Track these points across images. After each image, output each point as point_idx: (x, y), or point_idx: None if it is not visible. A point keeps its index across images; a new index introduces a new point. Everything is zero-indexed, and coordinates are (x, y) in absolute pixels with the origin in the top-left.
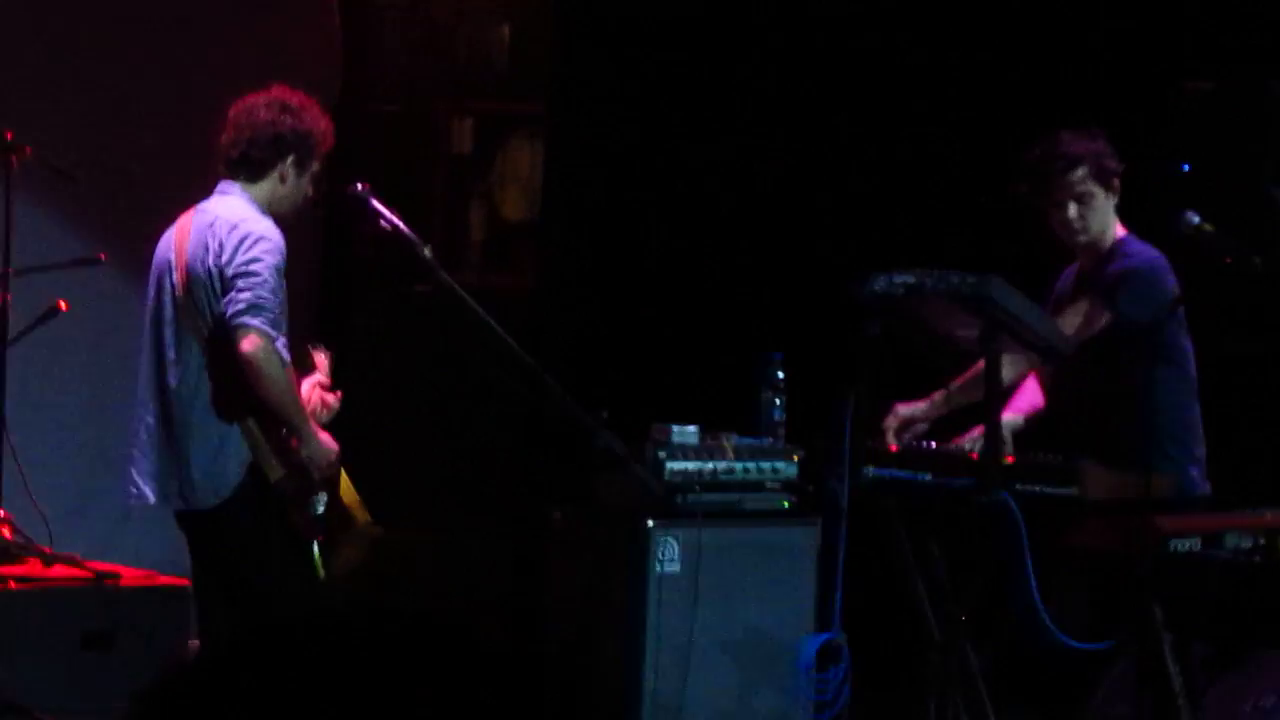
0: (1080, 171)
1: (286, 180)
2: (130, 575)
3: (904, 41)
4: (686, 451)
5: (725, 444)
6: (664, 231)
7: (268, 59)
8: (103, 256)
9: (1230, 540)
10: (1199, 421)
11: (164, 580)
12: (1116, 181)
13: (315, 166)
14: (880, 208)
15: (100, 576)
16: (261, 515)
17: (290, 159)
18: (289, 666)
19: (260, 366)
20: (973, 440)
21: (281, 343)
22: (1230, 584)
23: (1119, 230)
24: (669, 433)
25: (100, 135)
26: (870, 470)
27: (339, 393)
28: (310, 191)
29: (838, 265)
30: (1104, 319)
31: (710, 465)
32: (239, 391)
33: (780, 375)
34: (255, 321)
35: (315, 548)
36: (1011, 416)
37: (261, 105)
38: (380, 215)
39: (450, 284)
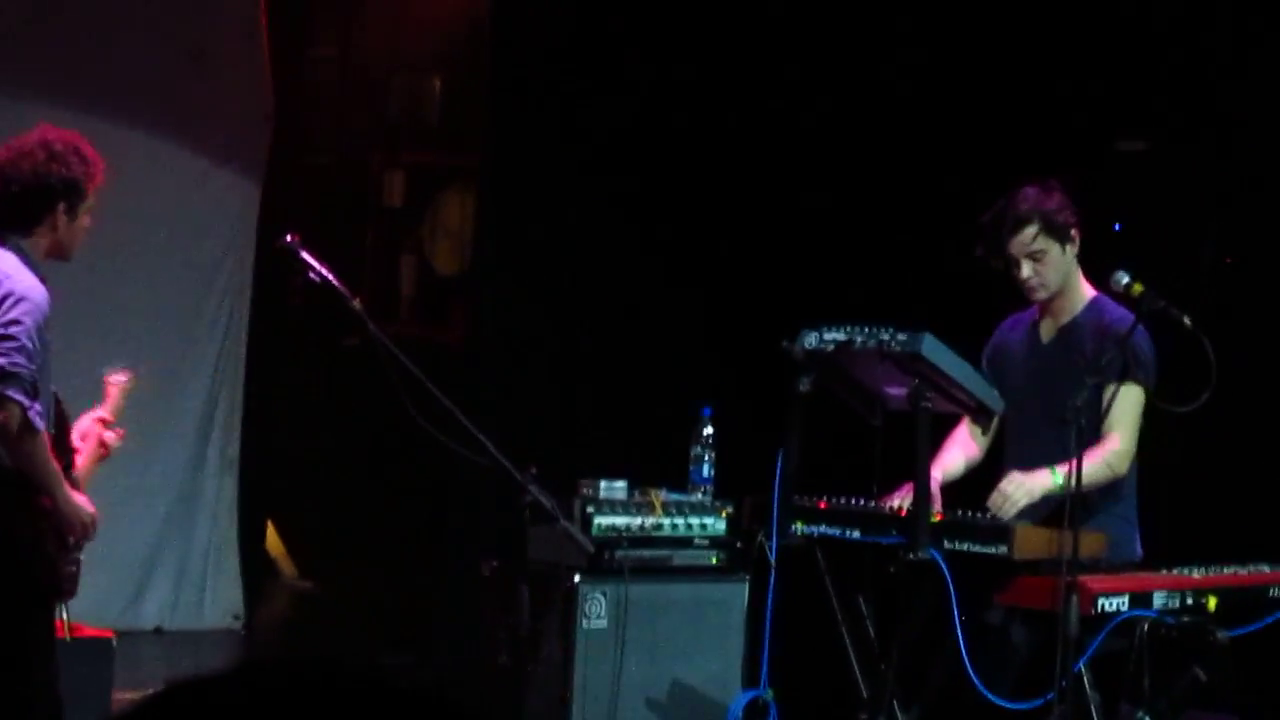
0: (1030, 231)
1: (59, 227)
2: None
3: (840, 101)
4: (615, 506)
5: (654, 499)
6: (595, 286)
7: (197, 111)
8: None
9: (1159, 599)
10: (1135, 482)
11: (88, 632)
12: (1074, 233)
13: (90, 202)
14: (815, 263)
15: None
16: (11, 576)
17: (61, 206)
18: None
19: (9, 437)
20: (903, 498)
21: (36, 410)
22: (1158, 643)
23: (1088, 288)
24: (597, 488)
25: None
26: (800, 527)
27: (120, 431)
28: (87, 224)
29: (770, 321)
30: (1142, 396)
31: (638, 520)
32: None
33: (710, 431)
34: (7, 391)
35: (64, 609)
36: (939, 472)
37: (25, 154)
38: (310, 267)
39: (380, 337)
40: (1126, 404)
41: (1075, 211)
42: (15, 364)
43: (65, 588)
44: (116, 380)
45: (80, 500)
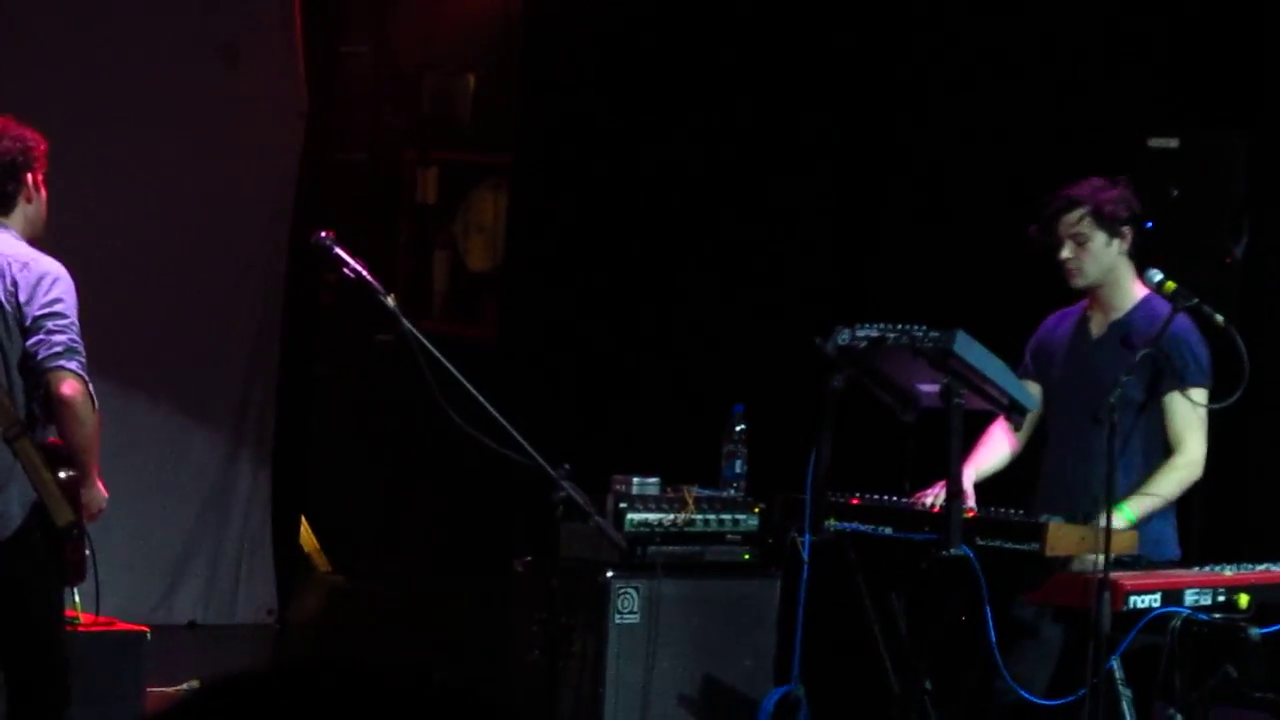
0: (1077, 213)
1: (33, 199)
2: (88, 621)
3: (871, 100)
4: (647, 502)
5: (686, 495)
6: (627, 282)
7: (231, 107)
8: None
9: (1190, 597)
10: None
11: (121, 626)
12: (1126, 230)
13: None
14: (849, 260)
15: None
16: (45, 557)
17: (28, 177)
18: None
19: (78, 411)
20: (936, 495)
21: (92, 387)
22: (1190, 641)
23: (1140, 287)
24: (630, 484)
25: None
26: (832, 523)
27: None
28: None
29: (803, 317)
30: (1204, 398)
31: (671, 516)
32: (27, 431)
33: (743, 427)
34: (73, 365)
35: (75, 593)
36: (973, 469)
37: None
38: (344, 263)
39: (413, 333)
40: (1190, 411)
41: (1133, 211)
42: (74, 340)
43: (74, 572)
44: None
45: (102, 486)
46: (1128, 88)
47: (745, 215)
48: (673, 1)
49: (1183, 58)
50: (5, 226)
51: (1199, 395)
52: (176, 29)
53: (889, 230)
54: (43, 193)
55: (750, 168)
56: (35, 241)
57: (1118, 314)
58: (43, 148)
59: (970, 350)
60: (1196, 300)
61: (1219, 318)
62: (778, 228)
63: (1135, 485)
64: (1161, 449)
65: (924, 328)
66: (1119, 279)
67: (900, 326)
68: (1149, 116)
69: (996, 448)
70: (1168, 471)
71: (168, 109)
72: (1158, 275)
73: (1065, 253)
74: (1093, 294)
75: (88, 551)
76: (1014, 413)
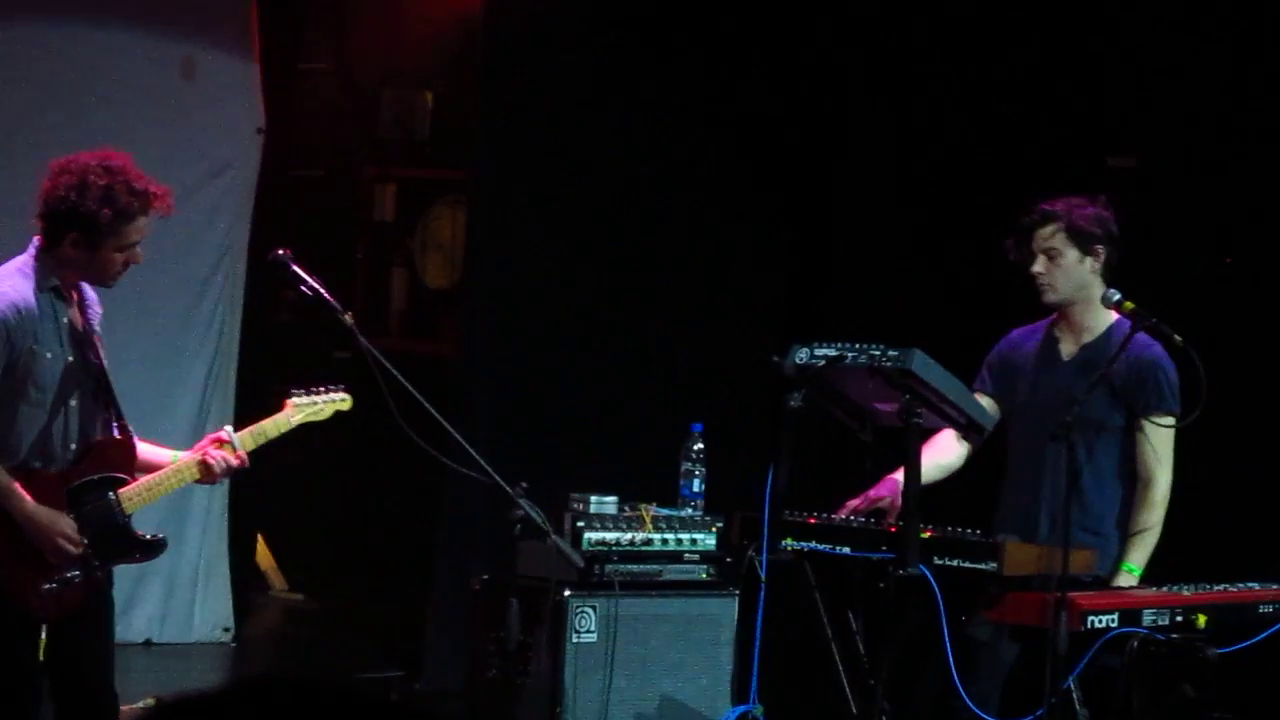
0: (1051, 228)
1: (72, 257)
2: None
3: (830, 119)
4: (605, 521)
5: (644, 514)
6: (585, 300)
7: (189, 123)
8: None
9: (1149, 617)
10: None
11: None
12: (1099, 249)
13: (128, 240)
14: (807, 279)
15: None
16: None
17: (70, 237)
18: None
19: None
20: (860, 505)
21: None
22: (1148, 660)
23: (1111, 311)
24: (587, 503)
25: (18, 204)
26: (790, 543)
27: (239, 455)
28: (136, 260)
29: (761, 337)
30: (1174, 423)
31: (628, 535)
32: None
33: (700, 446)
34: None
35: (44, 631)
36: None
37: (63, 174)
38: (301, 280)
39: (371, 350)
40: (1162, 439)
41: (1110, 233)
42: None
43: (36, 607)
44: (291, 405)
45: (46, 515)
46: (1087, 107)
47: (703, 232)
48: (631, 18)
49: (1141, 78)
50: (39, 251)
51: (1169, 422)
52: (135, 44)
53: (847, 249)
54: (105, 255)
55: (707, 184)
56: (93, 283)
57: (1089, 336)
58: (129, 221)
59: (928, 369)
60: (1154, 319)
61: (1177, 338)
62: (735, 245)
63: (1113, 513)
64: (1132, 474)
65: (882, 347)
66: (1091, 299)
67: (858, 345)
68: (1108, 136)
69: (938, 457)
70: (1150, 509)
71: (124, 123)
72: (1116, 295)
73: (1037, 267)
74: (1062, 313)
75: (48, 585)
76: (972, 432)
